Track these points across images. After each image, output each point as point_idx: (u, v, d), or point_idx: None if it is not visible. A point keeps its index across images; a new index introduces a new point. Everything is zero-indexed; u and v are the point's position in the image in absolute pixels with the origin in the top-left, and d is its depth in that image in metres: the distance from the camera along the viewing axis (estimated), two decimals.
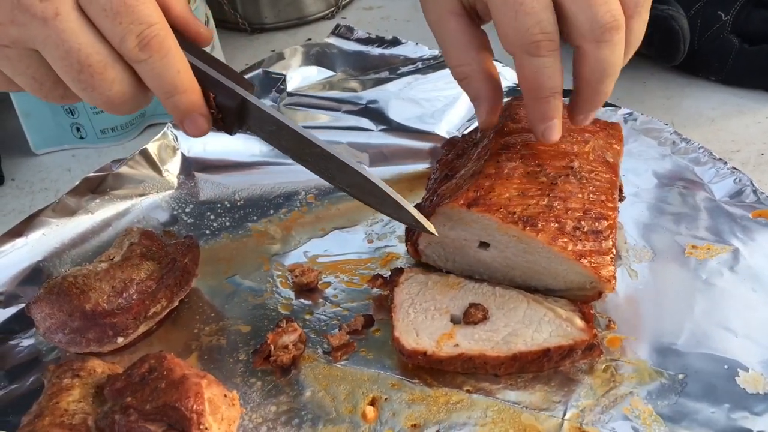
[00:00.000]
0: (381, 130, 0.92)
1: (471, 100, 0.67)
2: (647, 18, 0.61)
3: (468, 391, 0.61)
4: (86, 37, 0.49)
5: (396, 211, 0.61)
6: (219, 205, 0.84)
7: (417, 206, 0.72)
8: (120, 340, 0.65)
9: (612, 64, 0.59)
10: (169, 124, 0.90)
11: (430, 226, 0.61)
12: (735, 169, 0.79)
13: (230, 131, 0.60)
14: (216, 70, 0.57)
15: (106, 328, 0.64)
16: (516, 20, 0.57)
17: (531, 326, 0.63)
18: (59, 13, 0.48)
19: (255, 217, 0.82)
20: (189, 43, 0.56)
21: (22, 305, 0.71)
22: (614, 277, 0.62)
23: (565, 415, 0.58)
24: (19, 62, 0.50)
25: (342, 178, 0.61)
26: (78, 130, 0.96)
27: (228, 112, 0.58)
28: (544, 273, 0.65)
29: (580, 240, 0.62)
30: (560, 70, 0.59)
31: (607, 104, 0.89)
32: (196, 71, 0.55)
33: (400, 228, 0.78)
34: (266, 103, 0.59)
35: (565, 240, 0.62)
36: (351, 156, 0.58)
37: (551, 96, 0.60)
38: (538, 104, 0.61)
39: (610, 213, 0.65)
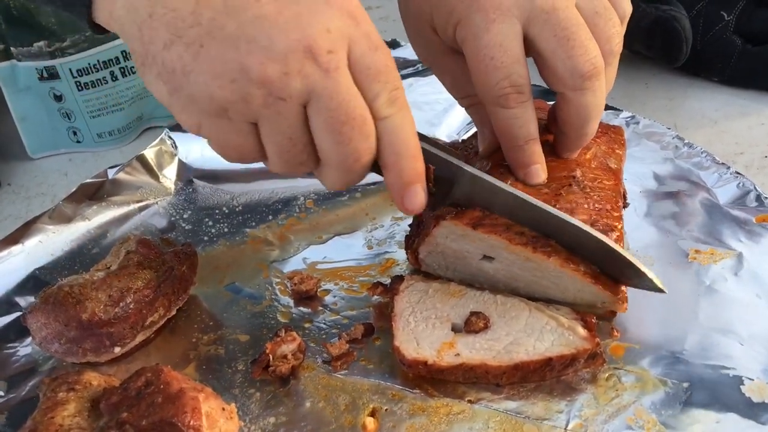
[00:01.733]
0: None
1: (476, 126, 0.68)
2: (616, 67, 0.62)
3: (469, 402, 0.60)
4: (354, 91, 0.49)
5: (632, 276, 0.61)
6: (217, 212, 0.83)
7: (416, 217, 0.71)
8: (117, 349, 0.64)
9: (594, 107, 0.60)
10: (167, 129, 0.89)
11: (660, 284, 0.61)
12: (738, 173, 0.78)
13: (437, 206, 0.60)
14: (427, 142, 0.57)
15: (103, 337, 0.63)
16: (486, 74, 0.58)
17: (533, 335, 0.62)
18: (339, 67, 0.48)
19: (253, 223, 0.81)
20: None
21: (18, 313, 0.71)
22: (626, 296, 0.62)
23: (567, 425, 0.58)
24: (286, 119, 0.49)
25: (562, 239, 0.60)
26: (75, 134, 0.96)
27: (443, 184, 0.58)
28: (551, 287, 0.64)
29: None
30: (532, 118, 0.60)
31: (608, 107, 0.89)
32: None
33: (400, 234, 0.77)
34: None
35: (578, 260, 0.60)
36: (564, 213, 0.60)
37: (525, 144, 0.61)
38: (515, 152, 0.62)
39: (617, 223, 0.64)
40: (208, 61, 0.46)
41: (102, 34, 0.55)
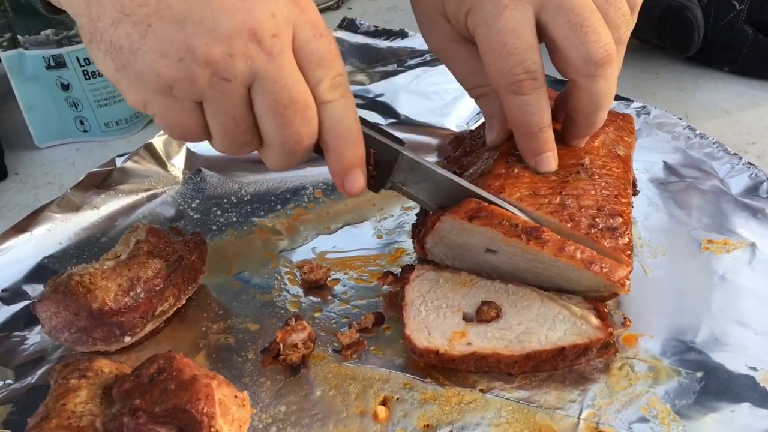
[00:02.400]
0: (389, 124, 0.91)
1: (485, 117, 0.68)
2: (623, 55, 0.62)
3: (481, 391, 0.60)
4: (298, 75, 0.50)
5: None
6: (225, 201, 0.83)
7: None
8: (127, 339, 0.64)
9: (606, 95, 0.60)
10: None
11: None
12: (750, 164, 0.77)
13: (378, 188, 0.61)
14: (369, 127, 0.59)
15: (113, 327, 0.63)
16: (499, 60, 0.58)
17: (545, 324, 0.61)
18: (283, 50, 0.49)
19: (262, 213, 0.81)
20: None
21: (27, 302, 0.70)
22: (628, 278, 0.61)
23: (580, 414, 0.57)
24: (229, 99, 0.50)
25: None
26: (82, 123, 0.95)
27: (384, 168, 0.59)
28: (555, 277, 0.63)
29: (596, 238, 0.61)
30: (546, 105, 0.60)
31: (619, 97, 0.88)
32: None
33: (409, 224, 0.77)
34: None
35: (572, 248, 0.60)
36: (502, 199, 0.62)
37: (539, 131, 0.61)
38: (527, 140, 0.62)
39: (625, 209, 0.64)
40: (155, 40, 0.47)
41: (55, 15, 0.55)
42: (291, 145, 0.53)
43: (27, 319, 0.69)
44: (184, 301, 0.68)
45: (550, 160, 0.62)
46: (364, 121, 0.57)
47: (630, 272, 0.61)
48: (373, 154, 0.58)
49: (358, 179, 0.56)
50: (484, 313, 0.63)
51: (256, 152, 0.56)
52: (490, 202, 0.61)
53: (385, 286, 0.70)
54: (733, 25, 0.94)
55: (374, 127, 0.59)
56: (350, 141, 0.54)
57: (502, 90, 0.60)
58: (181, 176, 0.85)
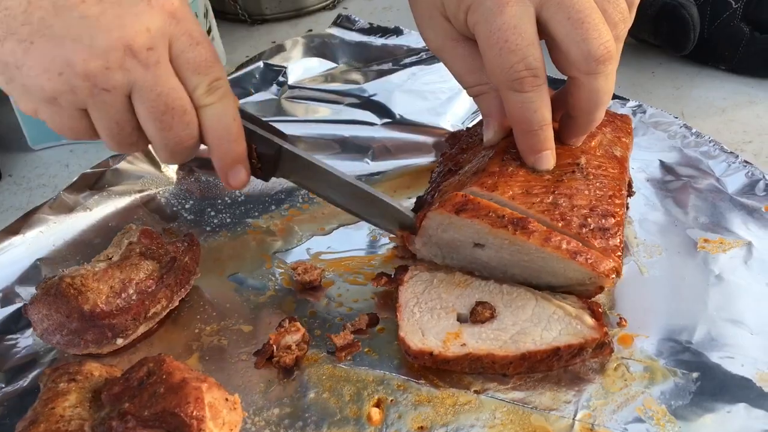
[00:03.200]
0: (384, 124, 0.91)
1: (483, 116, 0.67)
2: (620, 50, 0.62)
3: (476, 392, 0.59)
4: (174, 83, 0.55)
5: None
6: (219, 201, 0.82)
7: (419, 198, 0.71)
8: (119, 341, 0.64)
9: (606, 92, 0.60)
10: None
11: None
12: (747, 162, 0.77)
13: (267, 178, 0.66)
14: (253, 123, 0.63)
15: (105, 329, 0.62)
16: (500, 57, 0.58)
17: (540, 324, 0.61)
18: (159, 62, 0.53)
19: (256, 214, 0.81)
20: None
21: (20, 305, 0.70)
22: (614, 271, 0.60)
23: (576, 415, 0.57)
24: (111, 106, 0.54)
25: (370, 212, 0.68)
26: None
27: (267, 161, 0.64)
28: (541, 271, 0.63)
29: (586, 238, 0.61)
30: (547, 103, 0.60)
31: (615, 96, 0.87)
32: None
33: None
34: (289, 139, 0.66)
35: (558, 239, 0.60)
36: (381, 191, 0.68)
37: (539, 129, 0.61)
38: (527, 137, 0.62)
39: (618, 210, 0.63)
40: (37, 56, 0.52)
41: None
42: (172, 146, 0.57)
43: (19, 321, 0.69)
44: (177, 303, 0.68)
45: (549, 158, 0.62)
46: (248, 117, 0.63)
47: (616, 268, 0.60)
48: (255, 148, 0.62)
49: (240, 174, 0.61)
50: (479, 314, 0.62)
51: None
52: (369, 195, 0.66)
53: (380, 287, 0.69)
54: (729, 23, 0.94)
55: (258, 122, 0.64)
56: (230, 140, 0.59)
57: (503, 87, 0.59)
58: (174, 177, 0.85)
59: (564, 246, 0.59)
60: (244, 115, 0.62)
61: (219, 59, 0.58)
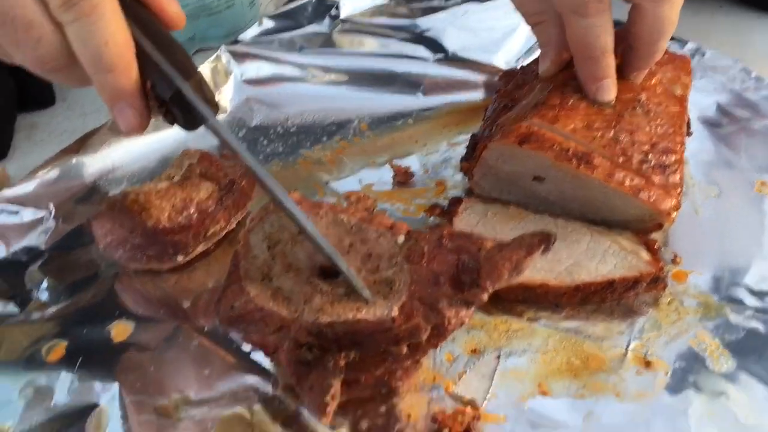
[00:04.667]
0: (436, 60, 0.90)
1: (540, 46, 0.67)
2: None
3: (529, 320, 0.60)
4: None
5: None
6: (272, 131, 0.83)
7: (474, 135, 0.71)
8: (180, 258, 0.65)
9: (670, 21, 0.59)
10: (223, 46, 0.89)
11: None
12: None
13: (187, 127, 0.49)
14: (164, 53, 0.48)
15: (167, 245, 0.64)
16: None
17: (595, 258, 0.62)
18: None
19: (308, 144, 0.81)
20: (153, 22, 0.49)
21: (79, 222, 0.72)
22: (675, 209, 0.60)
23: (628, 345, 0.58)
24: None
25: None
26: None
27: (173, 105, 0.48)
28: (601, 206, 0.63)
29: (647, 174, 0.61)
30: (610, 29, 0.59)
31: (673, 38, 0.86)
32: (140, 53, 0.47)
33: (456, 158, 0.77)
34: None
35: (622, 174, 0.60)
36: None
37: (601, 55, 0.60)
38: (588, 64, 0.61)
39: (678, 147, 0.63)
40: None
41: None
42: (34, 65, 0.48)
43: (80, 237, 0.70)
44: (234, 225, 0.69)
45: (610, 88, 0.62)
46: (165, 43, 0.48)
47: (676, 205, 0.60)
48: (150, 86, 0.48)
49: (124, 113, 0.49)
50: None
51: None
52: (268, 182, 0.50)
53: (432, 218, 0.70)
54: None
55: (174, 52, 0.48)
56: (105, 70, 0.47)
57: (566, 11, 0.59)
58: (228, 106, 0.85)
59: (627, 182, 0.59)
60: (162, 43, 0.48)
61: None
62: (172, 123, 0.50)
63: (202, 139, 0.81)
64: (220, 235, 0.68)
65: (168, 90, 0.47)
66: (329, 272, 0.51)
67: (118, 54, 0.47)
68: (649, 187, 0.60)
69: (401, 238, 0.52)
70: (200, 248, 0.67)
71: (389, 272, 0.50)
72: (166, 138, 0.80)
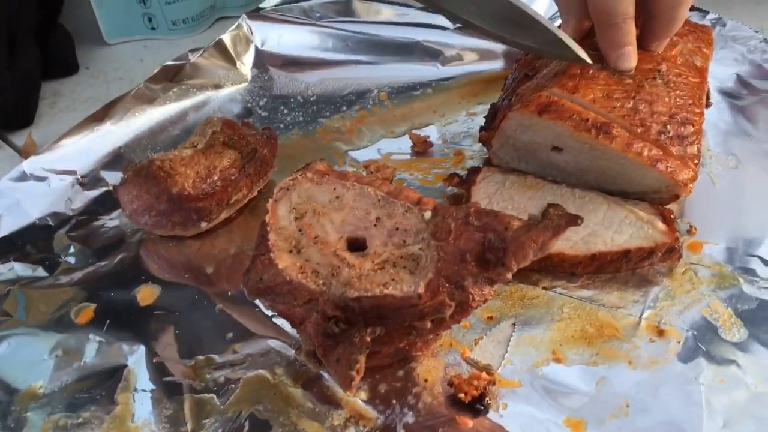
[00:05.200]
0: (456, 29, 0.90)
1: (561, 15, 0.67)
2: None
3: (544, 288, 0.62)
4: None
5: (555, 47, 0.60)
6: (292, 100, 0.84)
7: (493, 105, 0.71)
8: (203, 224, 0.67)
9: None
10: (244, 15, 0.89)
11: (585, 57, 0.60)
12: None
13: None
14: None
15: (191, 212, 0.65)
16: None
17: (611, 228, 0.62)
18: None
19: (328, 113, 0.82)
20: None
21: (105, 188, 0.74)
22: (692, 180, 0.61)
23: (642, 314, 0.59)
24: None
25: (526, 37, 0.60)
26: (150, 20, 0.96)
27: None
28: (618, 177, 0.64)
29: (665, 145, 0.61)
30: None
31: (694, 8, 0.86)
32: None
33: (475, 128, 0.77)
34: None
35: (640, 145, 0.60)
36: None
37: (622, 22, 0.60)
38: (609, 31, 0.61)
39: (697, 118, 0.63)
40: None
41: None
42: None
43: (106, 203, 0.72)
44: (255, 193, 0.71)
45: (631, 55, 0.62)
46: None
47: (694, 177, 0.61)
48: None
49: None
50: (550, 216, 0.64)
51: None
52: (527, 15, 0.57)
53: (450, 188, 0.71)
54: None
55: None
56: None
57: None
58: (249, 74, 0.86)
59: (645, 153, 0.60)
60: None
61: None
62: None
63: (227, 104, 0.83)
64: (242, 203, 0.70)
65: None
66: (356, 244, 0.52)
67: None
68: (666, 158, 0.61)
69: (428, 214, 0.52)
70: (223, 215, 0.68)
71: (416, 248, 0.50)
72: (187, 106, 0.81)
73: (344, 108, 0.83)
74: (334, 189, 0.54)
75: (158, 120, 0.80)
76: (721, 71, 0.79)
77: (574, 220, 0.51)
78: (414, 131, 0.78)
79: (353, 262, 0.50)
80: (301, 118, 0.82)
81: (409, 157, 0.76)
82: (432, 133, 0.79)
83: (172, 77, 0.83)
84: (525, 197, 0.66)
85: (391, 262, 0.50)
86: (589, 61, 0.60)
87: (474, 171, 0.69)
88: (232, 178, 0.67)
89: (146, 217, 0.66)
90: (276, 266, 0.50)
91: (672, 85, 0.64)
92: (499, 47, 0.87)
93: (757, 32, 0.83)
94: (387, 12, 0.94)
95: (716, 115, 0.74)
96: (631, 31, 0.61)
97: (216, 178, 0.66)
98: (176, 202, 0.64)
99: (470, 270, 0.49)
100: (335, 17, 0.93)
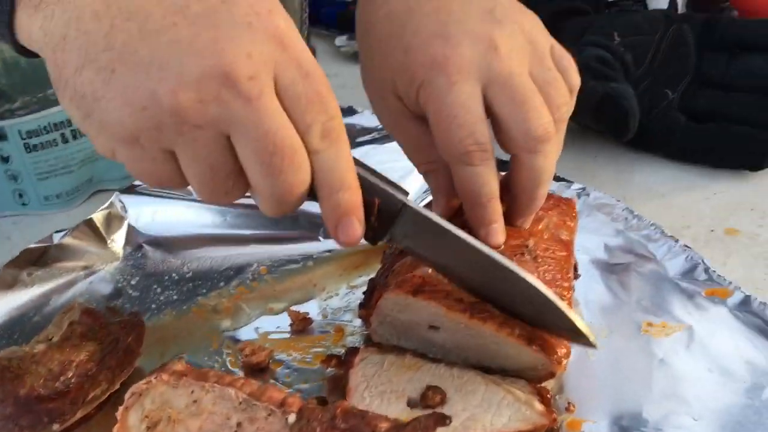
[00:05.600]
0: None
1: (432, 193, 0.69)
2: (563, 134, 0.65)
3: None
4: (282, 120, 0.47)
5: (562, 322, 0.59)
6: (167, 278, 0.81)
7: (371, 280, 0.71)
8: (56, 426, 0.61)
9: (546, 170, 0.63)
10: (117, 192, 0.88)
11: (593, 339, 0.60)
12: (687, 246, 0.80)
13: (376, 240, 0.57)
14: (370, 172, 0.55)
15: (41, 414, 0.60)
16: (450, 132, 0.60)
17: (490, 410, 0.61)
18: (263, 94, 0.46)
19: (204, 291, 0.79)
20: None
21: None
22: (566, 356, 0.61)
23: None
24: (204, 146, 0.47)
25: (508, 292, 0.59)
26: (20, 196, 0.93)
27: (385, 219, 0.56)
28: (495, 355, 0.64)
29: None
30: (495, 176, 0.62)
31: (559, 179, 0.91)
32: (359, 177, 0.53)
33: (355, 302, 0.76)
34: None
35: (513, 324, 0.61)
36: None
37: (488, 201, 0.63)
38: (477, 210, 0.63)
39: (566, 293, 0.65)
40: (118, 87, 0.45)
41: (31, 57, 0.53)
42: (281, 194, 0.49)
43: None
44: (118, 386, 0.65)
45: (498, 232, 0.63)
46: (369, 170, 0.55)
47: (567, 353, 0.61)
48: (378, 203, 0.55)
49: (352, 227, 0.52)
50: (429, 398, 0.62)
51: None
52: (501, 266, 0.58)
53: (329, 369, 0.68)
54: (667, 112, 0.98)
55: (377, 174, 0.56)
56: (343, 189, 0.51)
57: (453, 161, 0.61)
58: (121, 252, 0.83)
59: (518, 332, 0.60)
60: (358, 163, 0.55)
61: (332, 94, 0.50)
62: (369, 236, 0.56)
63: (96, 285, 0.79)
64: (102, 398, 0.64)
65: (395, 205, 0.55)
66: None
67: (354, 176, 0.52)
68: (540, 336, 0.61)
69: (292, 417, 0.50)
70: (79, 414, 0.62)
71: None
72: (50, 289, 0.77)
73: (222, 284, 0.80)
74: (192, 392, 0.51)
75: (17, 307, 0.75)
76: (589, 240, 0.82)
77: (442, 419, 0.50)
78: (293, 308, 0.77)
79: None
80: (175, 297, 0.79)
81: (288, 335, 0.74)
82: (312, 308, 0.77)
83: (36, 260, 0.79)
84: (404, 379, 0.65)
85: None
86: (593, 339, 0.60)
87: (351, 352, 0.68)
88: (90, 373, 0.62)
89: None
90: None
91: (540, 260, 0.66)
92: None
93: (619, 201, 0.88)
94: None
95: (587, 285, 0.77)
96: (497, 209, 0.63)
97: (71, 375, 0.61)
98: (24, 404, 0.59)
99: None
100: None
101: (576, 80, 0.65)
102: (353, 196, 0.52)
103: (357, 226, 0.53)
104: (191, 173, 0.48)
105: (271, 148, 0.46)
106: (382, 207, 0.55)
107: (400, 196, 0.56)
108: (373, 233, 0.56)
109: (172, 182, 0.50)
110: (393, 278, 0.66)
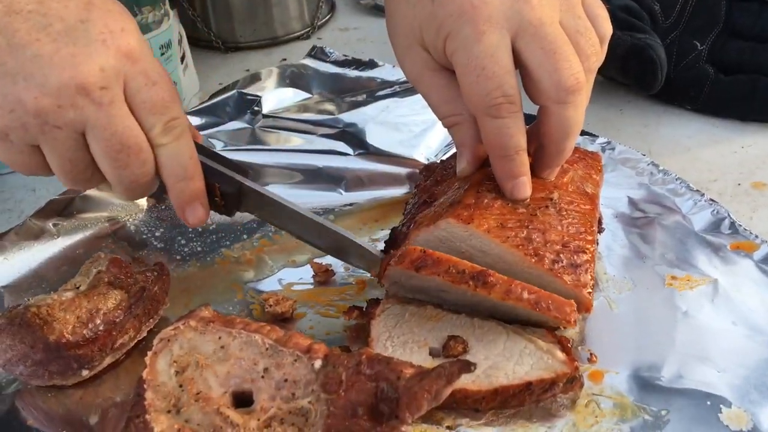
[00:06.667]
0: (358, 155, 0.91)
1: (456, 146, 0.68)
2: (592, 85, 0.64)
3: (448, 428, 0.59)
4: (129, 122, 0.56)
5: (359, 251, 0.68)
6: (190, 230, 0.81)
7: (394, 229, 0.71)
8: (84, 372, 0.62)
9: (575, 122, 0.62)
10: None
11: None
12: (712, 200, 0.79)
13: (230, 214, 0.66)
14: (215, 161, 0.64)
15: (70, 360, 0.61)
16: (478, 84, 0.59)
17: (512, 359, 0.61)
18: (113, 101, 0.55)
19: (227, 243, 0.80)
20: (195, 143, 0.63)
21: None
22: (576, 314, 0.61)
23: None
24: (63, 143, 0.55)
25: (338, 250, 0.69)
26: None
27: (230, 198, 0.65)
28: (510, 311, 0.64)
29: (558, 274, 0.61)
30: (522, 129, 0.61)
31: (585, 133, 0.89)
32: (202, 165, 0.62)
33: None
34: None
35: (519, 289, 0.60)
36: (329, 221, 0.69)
37: (515, 154, 0.62)
38: (503, 162, 0.63)
39: (589, 246, 0.64)
40: None
41: None
42: (128, 183, 0.58)
43: None
44: (145, 334, 0.67)
45: (526, 185, 0.63)
46: (209, 154, 0.65)
47: (588, 305, 0.62)
48: (218, 187, 0.63)
49: (197, 211, 0.62)
50: (451, 348, 0.62)
51: None
52: (336, 234, 0.67)
53: (352, 320, 0.69)
54: (695, 64, 0.96)
55: (221, 158, 0.65)
56: (186, 177, 0.60)
57: (480, 113, 0.60)
58: (144, 204, 0.84)
59: (525, 296, 0.60)
60: (205, 151, 0.64)
61: (177, 98, 0.59)
62: (224, 212, 0.66)
63: (120, 236, 0.80)
64: (130, 345, 0.65)
65: (233, 187, 0.64)
66: (242, 398, 0.49)
67: (196, 166, 0.61)
68: (547, 297, 0.60)
69: (318, 363, 0.50)
70: (107, 360, 0.64)
71: (305, 401, 0.48)
72: (77, 241, 0.78)
73: (245, 236, 0.81)
74: (219, 338, 0.51)
75: (45, 257, 0.76)
76: (613, 194, 0.81)
77: (467, 366, 0.50)
78: (316, 260, 0.77)
79: (237, 420, 0.47)
80: (199, 249, 0.79)
81: (311, 287, 0.75)
82: (335, 260, 0.77)
83: (61, 211, 0.79)
84: (425, 329, 0.65)
85: (278, 419, 0.47)
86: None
87: (373, 303, 0.68)
88: (117, 320, 0.63)
89: (21, 367, 0.61)
90: (152, 430, 0.46)
91: (564, 213, 0.65)
92: (401, 171, 0.88)
93: (644, 155, 0.87)
94: (292, 139, 0.95)
95: (611, 239, 0.76)
96: (524, 162, 0.63)
97: (99, 322, 0.62)
98: (53, 350, 0.60)
99: (362, 425, 0.47)
100: (237, 144, 0.93)
101: (607, 29, 0.63)
102: (195, 184, 0.61)
103: (200, 210, 0.62)
104: (54, 165, 0.57)
105: (117, 146, 0.56)
106: (223, 189, 0.64)
107: (238, 177, 0.65)
108: (225, 209, 0.66)
109: (40, 171, 0.58)
110: (415, 227, 0.66)
